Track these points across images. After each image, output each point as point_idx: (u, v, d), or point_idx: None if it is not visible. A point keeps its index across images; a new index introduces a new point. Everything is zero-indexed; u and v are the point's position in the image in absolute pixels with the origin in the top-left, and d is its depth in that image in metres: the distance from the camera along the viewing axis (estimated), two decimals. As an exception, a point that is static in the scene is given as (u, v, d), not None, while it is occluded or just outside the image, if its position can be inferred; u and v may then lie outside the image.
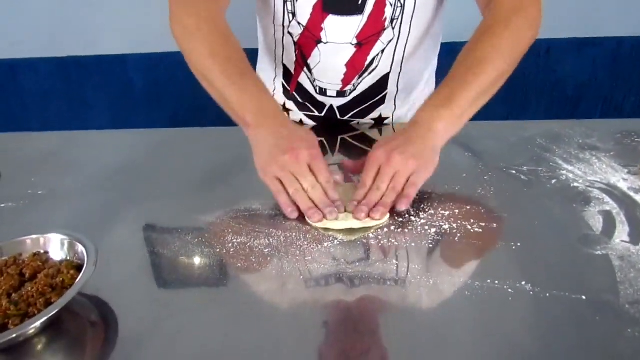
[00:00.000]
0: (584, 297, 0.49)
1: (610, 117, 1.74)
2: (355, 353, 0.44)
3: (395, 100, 0.93)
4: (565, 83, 1.72)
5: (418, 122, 0.68)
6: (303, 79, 0.91)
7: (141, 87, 1.84)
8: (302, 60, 0.88)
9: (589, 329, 0.45)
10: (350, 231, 0.61)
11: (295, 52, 0.88)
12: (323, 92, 0.91)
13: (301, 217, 0.63)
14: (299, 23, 0.82)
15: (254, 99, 0.69)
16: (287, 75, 0.93)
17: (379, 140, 0.73)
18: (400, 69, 0.88)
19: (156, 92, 1.84)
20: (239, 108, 0.68)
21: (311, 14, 0.81)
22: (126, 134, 0.99)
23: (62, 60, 1.79)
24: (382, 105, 0.93)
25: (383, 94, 0.91)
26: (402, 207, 0.63)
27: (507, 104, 1.75)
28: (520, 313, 0.47)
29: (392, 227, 0.61)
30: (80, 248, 0.52)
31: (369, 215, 0.62)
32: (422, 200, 0.66)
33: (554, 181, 0.70)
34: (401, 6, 0.79)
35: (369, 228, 0.61)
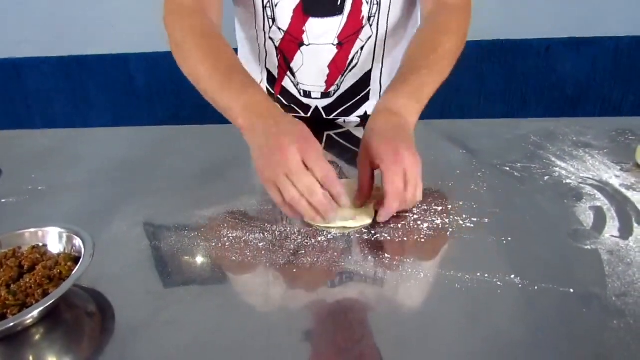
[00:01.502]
0: (571, 290, 0.49)
1: (609, 116, 1.74)
2: (345, 343, 0.45)
3: (379, 97, 0.94)
4: (564, 82, 1.72)
5: (399, 113, 0.66)
6: (287, 83, 0.92)
7: (143, 86, 1.86)
8: (285, 64, 0.89)
9: (576, 320, 0.46)
10: (344, 227, 0.62)
11: (277, 56, 0.89)
12: (307, 94, 0.92)
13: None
14: (279, 28, 0.83)
15: (240, 98, 0.65)
16: (271, 79, 0.94)
17: (373, 129, 0.66)
18: (382, 65, 0.89)
19: (158, 91, 1.86)
20: (230, 111, 0.66)
21: (292, 18, 0.81)
22: (125, 131, 1.00)
23: (64, 60, 1.80)
24: (367, 102, 0.94)
25: (366, 90, 0.93)
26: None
27: (506, 103, 1.75)
28: (509, 305, 0.48)
29: (385, 222, 0.62)
30: (77, 241, 0.53)
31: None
32: (415, 196, 0.67)
33: (546, 178, 0.71)
34: (377, 4, 0.81)
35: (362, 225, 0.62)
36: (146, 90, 1.88)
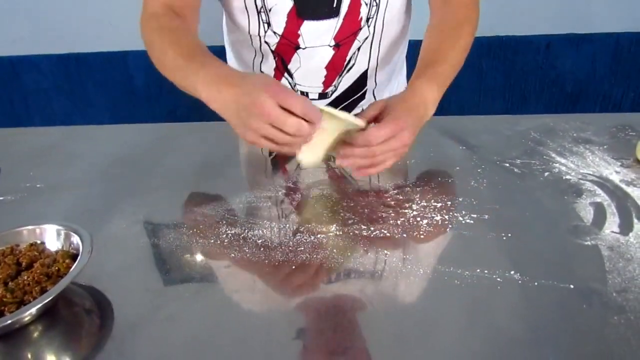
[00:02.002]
0: (572, 286, 0.49)
1: (609, 112, 1.74)
2: (345, 340, 0.45)
3: (374, 94, 0.94)
4: (564, 79, 1.72)
5: (425, 104, 0.68)
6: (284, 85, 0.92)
7: (142, 84, 1.85)
8: (282, 67, 0.89)
9: (576, 316, 0.46)
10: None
11: (274, 59, 0.88)
12: (305, 95, 0.91)
13: (296, 210, 0.64)
14: (274, 32, 0.83)
15: (199, 74, 0.64)
16: None
17: (403, 98, 0.68)
18: (377, 64, 0.89)
19: (156, 89, 1.85)
20: (194, 90, 0.65)
21: (286, 22, 0.81)
22: (123, 128, 1.00)
23: (63, 57, 1.80)
24: (363, 101, 0.95)
25: (363, 90, 0.93)
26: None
27: (506, 100, 1.75)
28: (508, 301, 0.48)
29: (385, 219, 0.62)
30: (75, 238, 0.53)
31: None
32: (415, 192, 0.67)
33: (546, 174, 0.70)
34: (376, 5, 0.80)
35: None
36: (145, 88, 1.87)
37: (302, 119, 0.57)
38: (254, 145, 0.61)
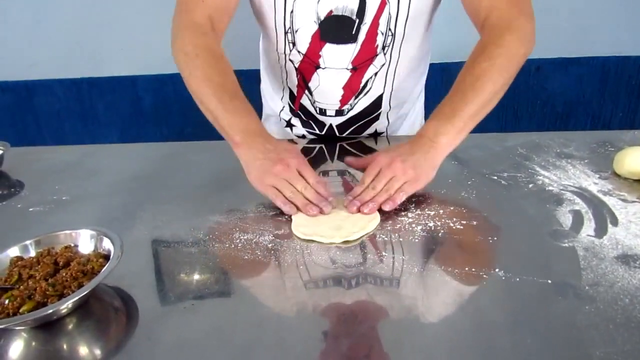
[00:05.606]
0: (549, 281, 0.55)
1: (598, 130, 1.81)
2: (347, 327, 0.50)
3: (388, 116, 1.01)
4: (554, 100, 1.80)
5: (423, 135, 0.76)
6: (305, 101, 1.00)
7: (150, 106, 1.93)
8: (304, 84, 0.97)
9: (552, 306, 0.52)
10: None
11: (297, 76, 0.96)
12: (323, 112, 0.99)
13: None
14: (298, 51, 0.91)
15: (242, 121, 0.77)
16: (292, 97, 1.02)
17: (387, 147, 0.81)
18: (392, 89, 0.96)
19: (163, 110, 1.93)
20: (229, 129, 0.77)
21: (310, 43, 0.89)
22: (137, 147, 1.07)
23: (76, 81, 1.88)
24: (377, 122, 1.01)
25: (378, 112, 1.00)
26: (386, 208, 0.70)
27: (499, 121, 1.83)
28: (493, 294, 0.54)
29: (384, 226, 0.68)
30: (106, 241, 0.59)
31: (359, 210, 0.70)
32: (410, 202, 0.73)
33: (530, 185, 0.77)
34: (392, 35, 0.88)
35: (359, 238, 0.66)
36: (153, 110, 1.95)
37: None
38: (264, 192, 0.73)
